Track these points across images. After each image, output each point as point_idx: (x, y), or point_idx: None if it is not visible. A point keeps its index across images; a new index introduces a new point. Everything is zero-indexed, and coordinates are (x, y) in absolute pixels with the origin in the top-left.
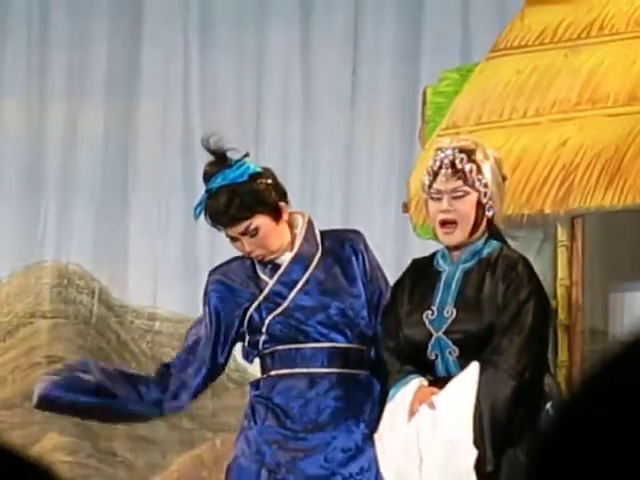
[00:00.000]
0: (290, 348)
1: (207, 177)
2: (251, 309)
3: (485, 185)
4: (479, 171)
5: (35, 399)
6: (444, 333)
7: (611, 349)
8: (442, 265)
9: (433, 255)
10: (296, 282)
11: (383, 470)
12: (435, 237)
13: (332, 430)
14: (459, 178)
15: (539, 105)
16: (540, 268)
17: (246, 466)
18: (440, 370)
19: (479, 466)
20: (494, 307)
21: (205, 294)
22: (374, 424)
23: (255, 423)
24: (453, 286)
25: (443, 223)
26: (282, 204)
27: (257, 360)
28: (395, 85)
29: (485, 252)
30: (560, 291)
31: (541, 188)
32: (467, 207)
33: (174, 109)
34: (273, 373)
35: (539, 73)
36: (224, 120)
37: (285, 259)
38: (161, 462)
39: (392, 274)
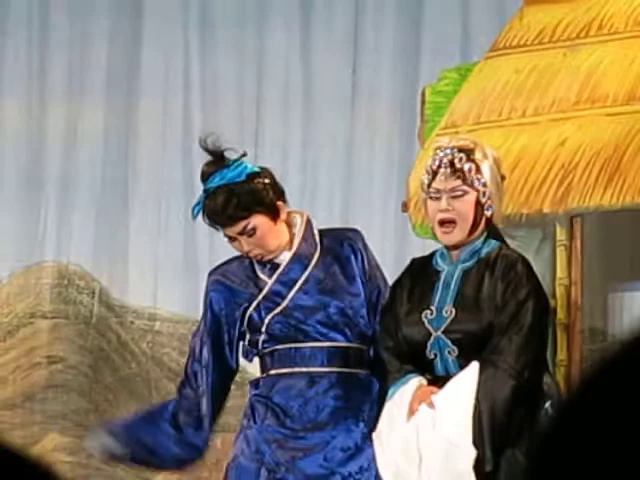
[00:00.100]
0: (290, 347)
1: (205, 177)
2: (250, 309)
3: (484, 184)
4: (478, 170)
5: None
6: (443, 332)
7: (610, 349)
8: (441, 264)
9: (432, 254)
10: (295, 281)
11: (381, 469)
12: (434, 236)
13: (331, 429)
14: (458, 177)
15: (538, 104)
16: (539, 267)
17: (246, 465)
18: (439, 369)
19: (478, 466)
20: (493, 307)
21: (205, 295)
22: (373, 423)
23: (255, 422)
24: (452, 285)
25: (442, 222)
26: (280, 203)
27: (256, 359)
28: (395, 85)
29: (484, 251)
30: (559, 290)
31: (540, 187)
32: (466, 206)
33: (174, 109)
34: (273, 372)
35: (538, 72)
36: (224, 120)
37: (284, 258)
38: None
39: (391, 273)
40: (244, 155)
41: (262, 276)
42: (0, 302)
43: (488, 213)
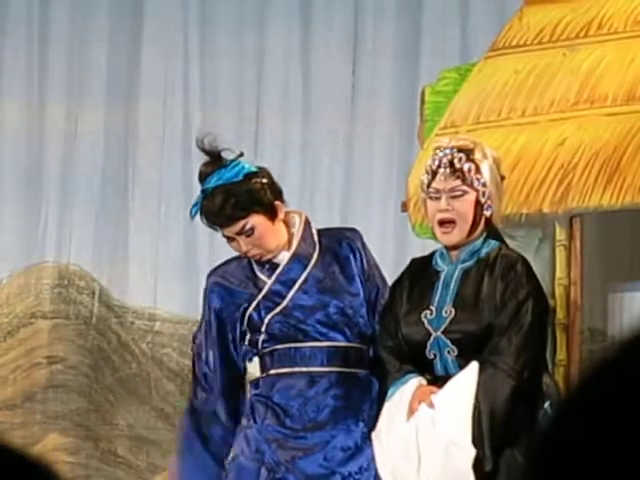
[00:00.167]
0: (289, 347)
1: (202, 177)
2: (250, 309)
3: (484, 184)
4: (478, 170)
5: None
6: (443, 333)
7: (609, 348)
8: (441, 265)
9: (432, 254)
10: (295, 281)
11: (380, 468)
12: (434, 236)
13: (331, 429)
14: (458, 177)
15: (537, 104)
16: (538, 267)
17: (246, 465)
18: (439, 369)
19: (478, 465)
20: (493, 307)
21: (205, 297)
22: (373, 423)
23: (255, 422)
24: (452, 286)
25: (441, 222)
26: (278, 203)
27: (256, 359)
28: (394, 85)
29: (484, 252)
30: (558, 290)
31: (539, 187)
32: (465, 206)
33: (174, 109)
34: (272, 372)
35: (537, 72)
36: (224, 120)
37: (283, 258)
38: (162, 463)
39: (391, 273)
40: (241, 155)
41: (261, 276)
42: (0, 302)
43: (488, 213)
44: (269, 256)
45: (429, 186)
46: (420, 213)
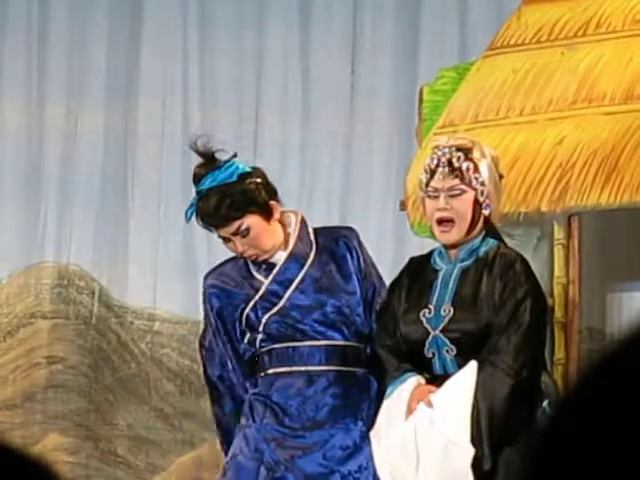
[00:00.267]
0: (287, 346)
1: (197, 179)
2: (247, 309)
3: (482, 183)
4: (476, 169)
5: None
6: (441, 331)
7: (608, 347)
8: (439, 263)
9: (430, 253)
10: (291, 281)
11: (379, 468)
12: (432, 235)
13: (330, 428)
14: (456, 176)
15: (536, 103)
16: (536, 266)
17: (245, 464)
18: (437, 368)
19: (476, 464)
20: (491, 306)
21: (204, 300)
22: (372, 422)
23: (254, 421)
24: (450, 284)
25: (440, 221)
26: (273, 203)
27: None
28: (393, 85)
29: (482, 250)
30: (557, 289)
31: (538, 186)
32: (464, 205)
33: (173, 109)
34: (271, 371)
35: (536, 71)
36: (223, 120)
37: (279, 258)
38: (161, 463)
39: (389, 272)
40: (235, 156)
41: (258, 276)
42: (0, 302)
43: (486, 212)
44: (265, 256)
45: (428, 185)
46: (418, 212)
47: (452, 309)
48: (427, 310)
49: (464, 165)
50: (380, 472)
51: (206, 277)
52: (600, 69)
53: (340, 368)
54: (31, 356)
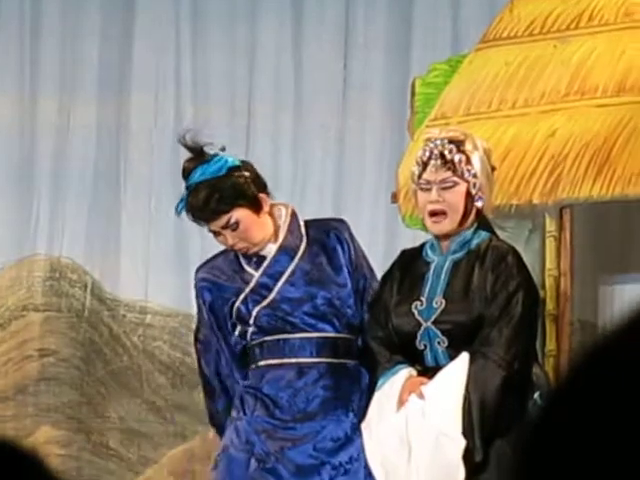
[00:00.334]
0: (278, 339)
1: (186, 173)
2: (237, 302)
3: (474, 176)
4: (468, 162)
5: None
6: (433, 323)
7: (599, 338)
8: (431, 255)
9: (422, 246)
10: (282, 274)
11: (370, 459)
12: (424, 227)
13: (321, 419)
14: (448, 169)
15: (528, 96)
16: (528, 258)
17: (235, 456)
18: (429, 360)
19: (468, 456)
20: (483, 298)
21: (196, 294)
22: (363, 413)
23: (244, 413)
24: (442, 276)
25: (432, 213)
26: (262, 196)
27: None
28: (386, 78)
29: (474, 243)
30: (548, 281)
31: (530, 178)
32: (456, 198)
33: (166, 103)
34: (262, 363)
35: (528, 64)
36: (215, 114)
37: (270, 251)
38: (153, 455)
39: (381, 265)
40: (223, 149)
41: (248, 269)
42: None
43: (478, 204)
44: (256, 249)
45: (420, 177)
46: (410, 204)
47: (444, 301)
48: (419, 302)
49: (456, 157)
50: (371, 463)
51: (197, 271)
52: (592, 62)
53: (331, 360)
54: (23, 349)
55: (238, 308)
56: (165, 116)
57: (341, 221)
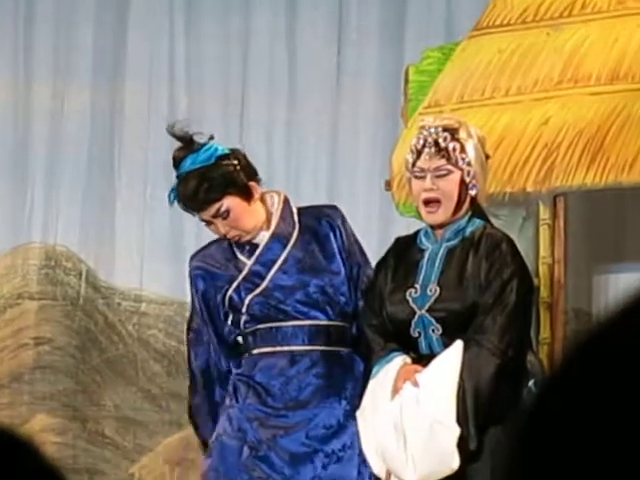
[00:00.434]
0: (271, 327)
1: (176, 163)
2: (230, 290)
3: (468, 164)
4: (462, 150)
5: None
6: (427, 311)
7: (593, 326)
8: (425, 243)
9: (416, 233)
10: (274, 262)
11: (365, 447)
12: (418, 215)
13: (314, 407)
14: (442, 157)
15: (521, 84)
16: (522, 246)
17: (228, 443)
18: (423, 348)
19: (462, 444)
20: (477, 285)
21: (190, 282)
22: (356, 401)
23: (237, 401)
24: (437, 264)
25: (426, 202)
26: (252, 184)
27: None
28: (379, 65)
29: (468, 231)
30: (542, 269)
31: (523, 166)
32: (450, 186)
33: (160, 90)
34: (255, 352)
35: (521, 52)
36: (209, 102)
37: (262, 239)
38: (148, 443)
39: (375, 252)
40: (212, 138)
41: (241, 257)
42: None
43: (472, 192)
44: (248, 237)
45: (414, 165)
46: (404, 192)
47: (438, 288)
48: (413, 290)
49: (450, 145)
50: (366, 451)
51: (191, 259)
52: (586, 49)
53: (324, 348)
54: (18, 337)
55: (231, 296)
56: (159, 104)
57: (334, 208)
